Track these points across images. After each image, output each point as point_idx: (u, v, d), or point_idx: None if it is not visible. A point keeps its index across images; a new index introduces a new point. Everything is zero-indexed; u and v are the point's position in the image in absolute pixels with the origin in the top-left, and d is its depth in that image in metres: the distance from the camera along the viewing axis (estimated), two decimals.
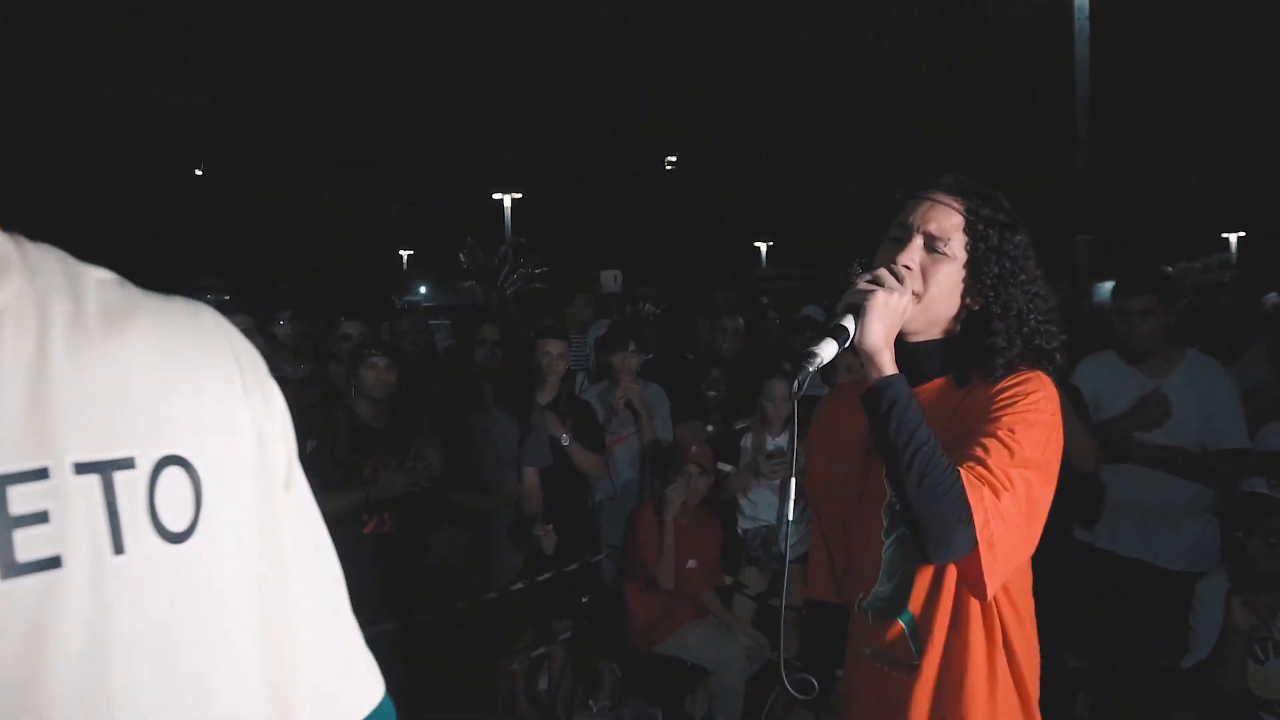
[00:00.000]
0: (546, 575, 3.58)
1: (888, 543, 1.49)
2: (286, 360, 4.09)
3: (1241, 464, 3.05)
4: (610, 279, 19.98)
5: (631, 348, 4.09)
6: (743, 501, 4.05)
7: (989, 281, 1.43)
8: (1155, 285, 3.20)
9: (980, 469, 1.31)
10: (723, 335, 4.77)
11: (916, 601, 1.45)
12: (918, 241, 1.44)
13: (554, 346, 3.84)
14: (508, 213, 32.67)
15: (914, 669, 1.45)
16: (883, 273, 1.41)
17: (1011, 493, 1.30)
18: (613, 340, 4.25)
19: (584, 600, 3.84)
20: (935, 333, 1.48)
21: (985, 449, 1.33)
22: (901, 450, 1.30)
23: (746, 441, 4.04)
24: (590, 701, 3.92)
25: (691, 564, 3.85)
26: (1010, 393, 1.39)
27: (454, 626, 3.37)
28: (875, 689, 1.51)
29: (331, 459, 3.34)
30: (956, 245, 1.44)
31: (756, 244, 38.60)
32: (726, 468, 4.03)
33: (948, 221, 1.44)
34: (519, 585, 3.52)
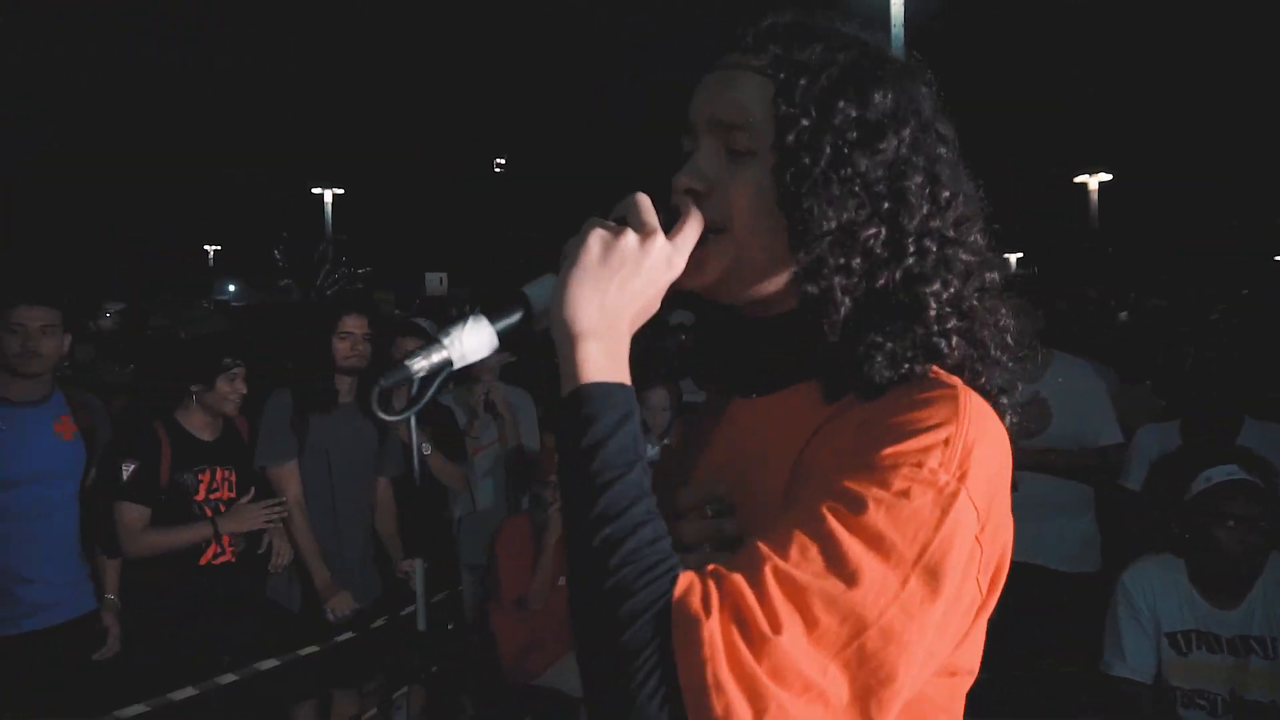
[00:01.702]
0: (410, 609, 3.16)
1: None
2: (107, 359, 3.45)
3: (1118, 459, 3.11)
4: (435, 281, 19.34)
5: None
6: None
7: (789, 179, 0.78)
8: (1025, 289, 3.23)
9: (736, 581, 0.64)
10: None
11: None
12: (708, 143, 0.82)
13: (411, 344, 3.42)
14: (328, 209, 31.01)
15: None
16: (634, 199, 0.78)
17: (798, 636, 0.63)
18: None
19: (449, 628, 3.45)
20: (779, 302, 0.83)
21: (780, 538, 0.67)
22: (583, 516, 0.67)
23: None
24: None
25: (562, 581, 3.55)
26: (885, 425, 0.72)
27: (301, 671, 2.90)
28: None
29: (155, 483, 2.82)
30: (765, 132, 0.80)
31: None
32: None
33: (747, 94, 0.80)
34: (379, 623, 3.09)
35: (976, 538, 0.70)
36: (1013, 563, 2.57)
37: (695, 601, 0.63)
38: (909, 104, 0.81)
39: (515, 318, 0.78)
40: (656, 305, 0.78)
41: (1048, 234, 27.55)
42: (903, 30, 13.30)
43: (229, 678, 2.79)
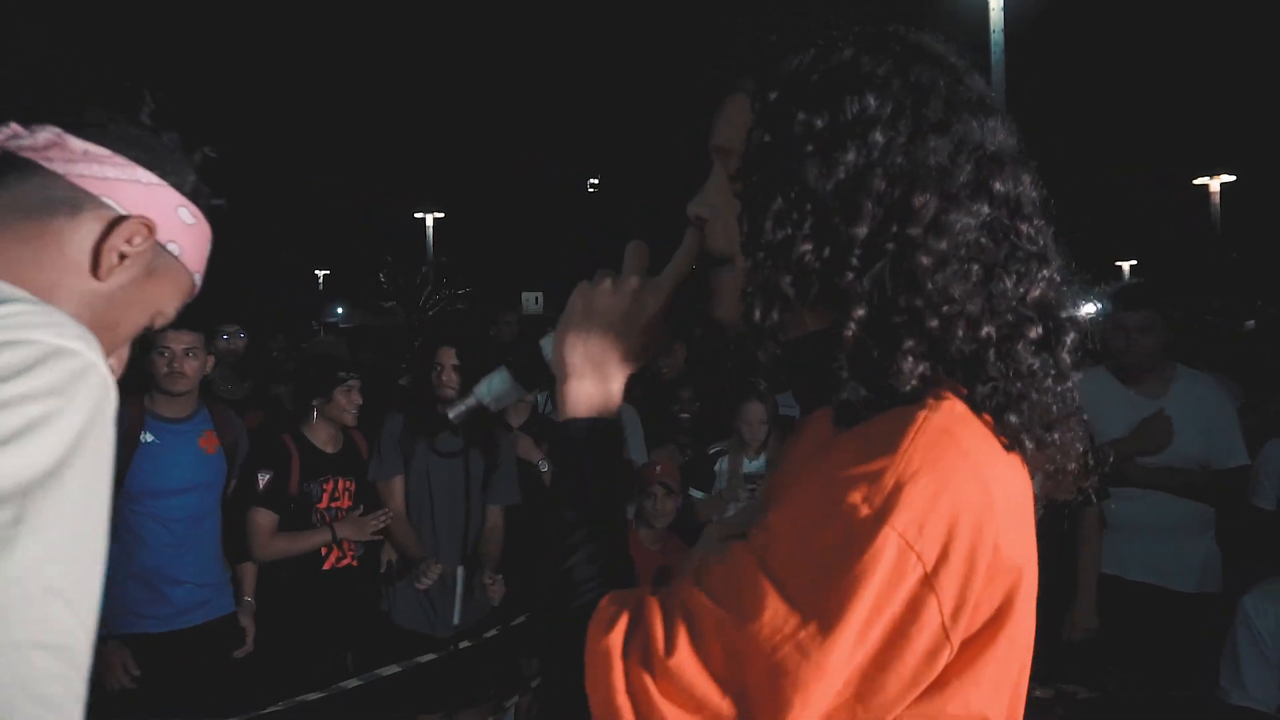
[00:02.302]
0: (520, 619, 3.27)
1: None
2: (227, 377, 3.72)
3: (1245, 481, 2.98)
4: (531, 300, 19.77)
5: None
6: None
7: (750, 204, 0.74)
8: (1155, 300, 3.13)
9: (650, 603, 0.69)
10: (665, 359, 4.63)
11: None
12: (716, 168, 0.82)
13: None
14: (429, 232, 32.07)
15: None
16: (628, 248, 0.87)
17: (691, 655, 0.65)
18: None
19: None
20: (816, 323, 0.77)
21: (708, 568, 0.69)
22: (549, 535, 0.78)
23: (721, 465, 3.85)
24: None
25: None
26: (829, 457, 0.69)
27: (419, 680, 3.04)
28: None
29: (286, 491, 3.06)
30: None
31: None
32: (698, 494, 3.83)
33: (737, 118, 0.78)
34: (492, 632, 3.21)
35: (925, 576, 0.63)
36: (1131, 582, 2.50)
37: (604, 618, 0.69)
38: (900, 103, 0.72)
39: (527, 365, 0.91)
40: (656, 339, 0.85)
41: (1165, 240, 26.22)
42: (1002, 35, 13.00)
43: (353, 683, 2.95)
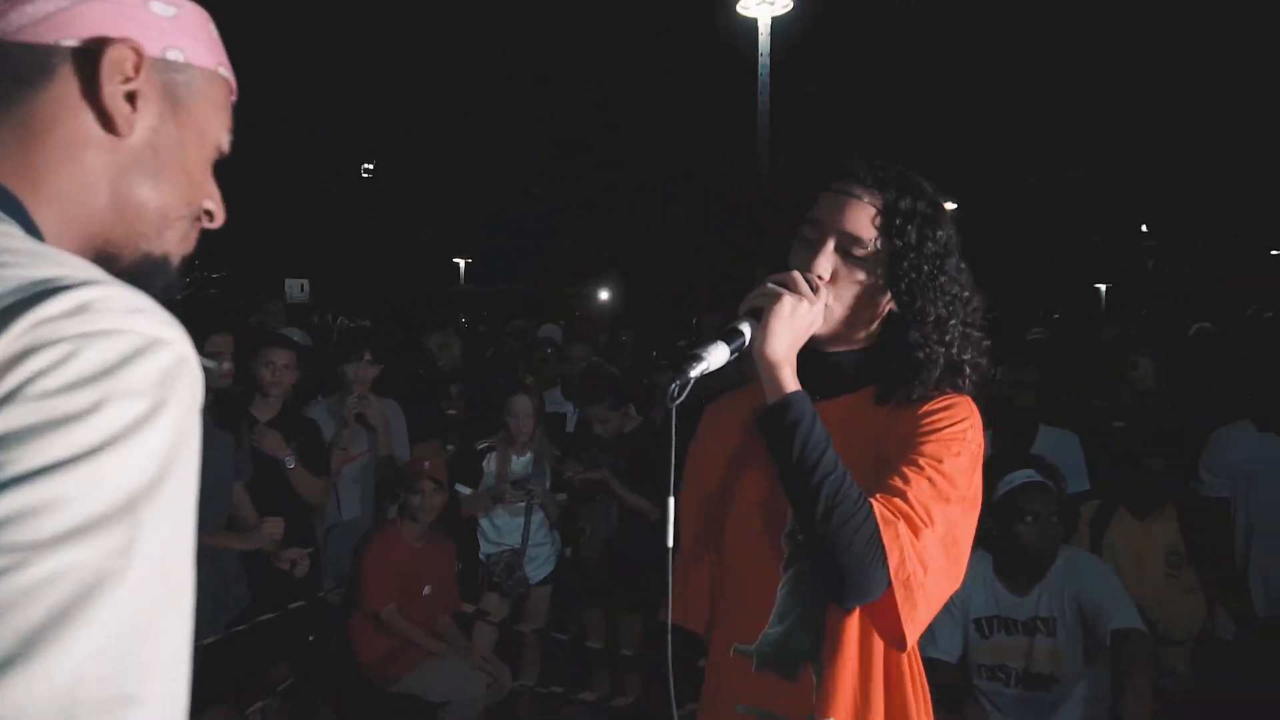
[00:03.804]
0: (269, 616, 3.17)
1: (785, 576, 1.28)
2: None
3: None
4: (297, 288, 18.67)
5: (367, 357, 3.79)
6: (484, 524, 3.90)
7: (904, 285, 1.25)
8: None
9: (898, 501, 1.16)
10: (445, 351, 4.64)
11: (825, 652, 1.25)
12: (830, 245, 1.26)
13: (280, 356, 3.43)
14: None
15: None
16: (795, 275, 1.23)
17: (932, 529, 1.15)
18: (345, 349, 3.94)
19: (310, 639, 3.46)
20: (854, 342, 1.31)
21: (905, 479, 1.18)
22: (806, 478, 1.14)
23: (489, 463, 3.90)
24: None
25: (428, 590, 3.63)
26: (935, 418, 1.24)
27: None
28: None
29: None
30: (874, 246, 1.26)
31: (455, 260, 38.09)
32: (465, 490, 3.86)
33: (863, 219, 1.25)
34: (240, 627, 3.08)
35: (979, 471, 1.25)
36: None
37: (888, 514, 1.15)
38: (951, 236, 1.29)
39: (737, 343, 1.20)
40: (805, 340, 1.25)
41: None
42: (769, 59, 13.95)
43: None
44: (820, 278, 1.26)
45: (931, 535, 1.16)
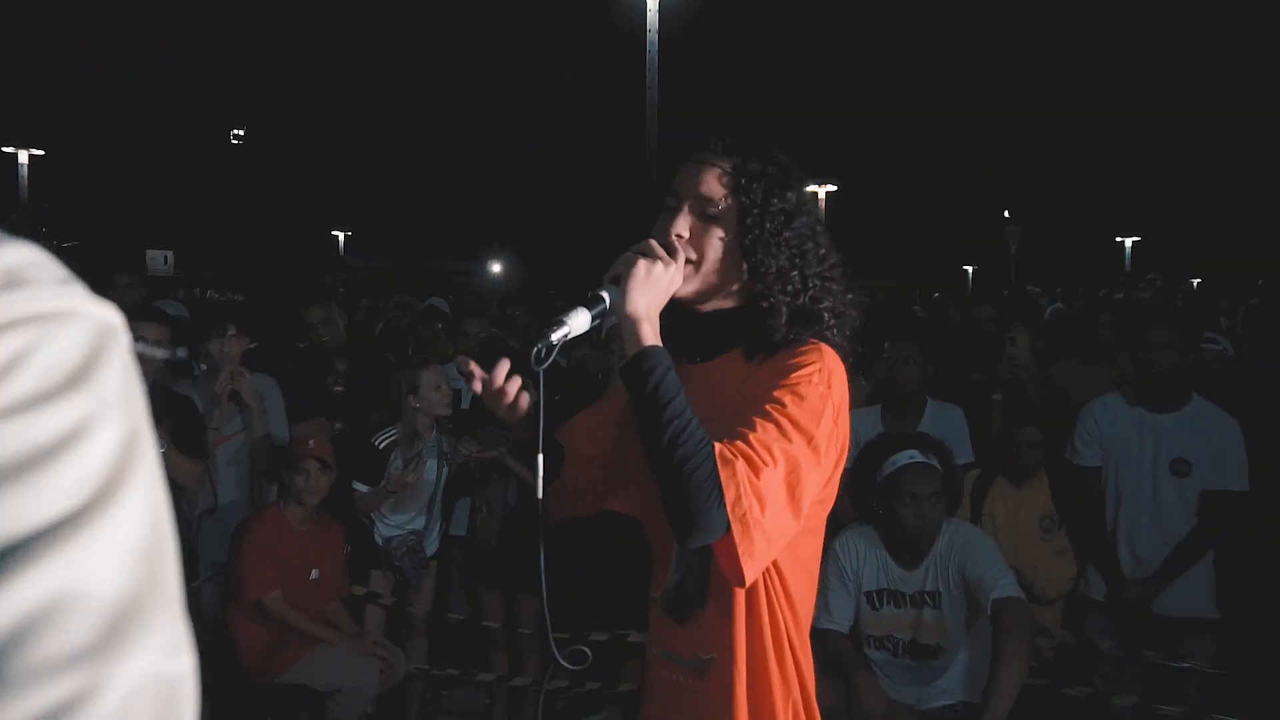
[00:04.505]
0: None
1: None
2: None
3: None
4: (160, 260, 17.59)
5: (232, 331, 3.55)
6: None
7: (748, 239, 1.34)
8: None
9: (739, 443, 1.22)
10: (328, 326, 4.43)
11: (709, 596, 1.36)
12: (686, 208, 1.38)
13: (151, 331, 3.19)
14: (23, 171, 27.18)
15: (702, 672, 1.37)
16: (650, 242, 1.33)
17: (773, 467, 1.21)
18: (207, 324, 3.69)
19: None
20: (725, 301, 1.41)
21: (750, 423, 1.24)
22: (655, 422, 1.22)
23: (396, 460, 3.70)
24: None
25: (314, 575, 3.47)
26: (786, 364, 1.32)
27: None
28: (665, 691, 1.43)
29: None
30: (726, 207, 1.36)
31: (335, 232, 36.69)
32: (362, 488, 3.68)
33: (714, 181, 1.37)
34: None
35: (835, 420, 1.30)
36: None
37: (726, 453, 1.20)
38: (804, 198, 1.40)
39: (599, 309, 1.30)
40: (667, 300, 1.33)
41: None
42: (657, 35, 13.92)
43: None
44: (679, 236, 1.37)
45: (772, 474, 1.20)
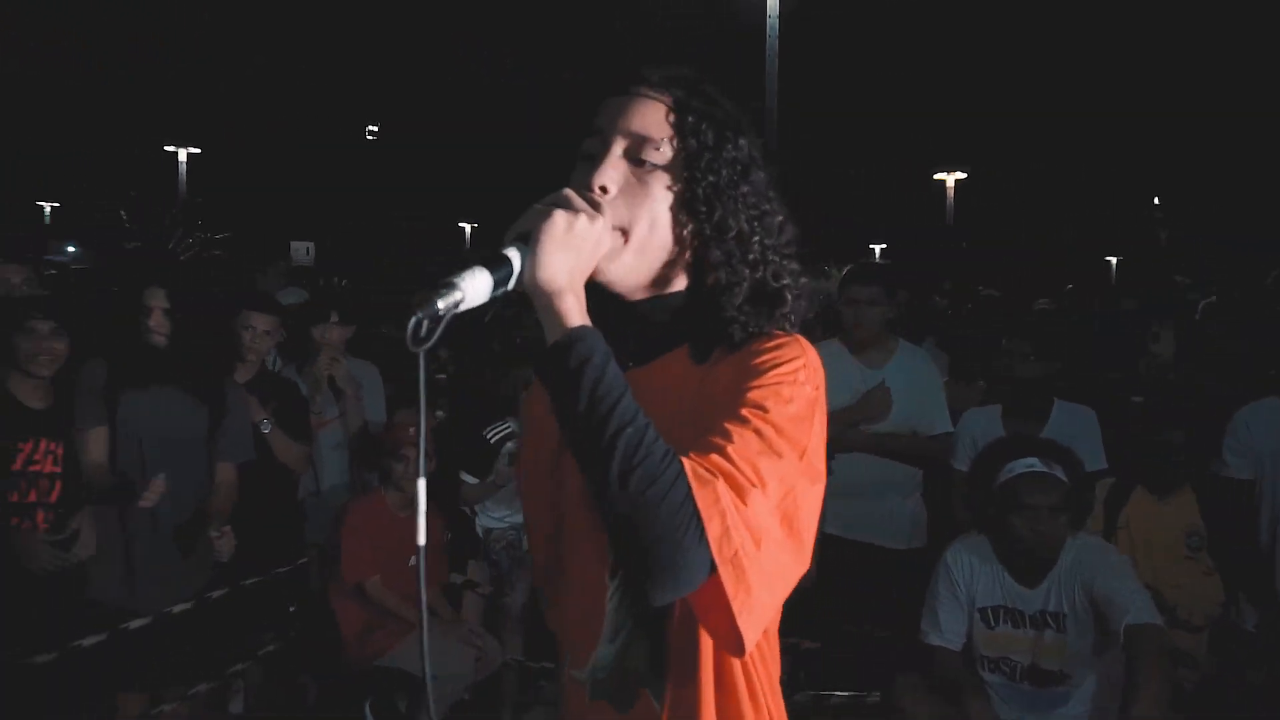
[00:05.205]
0: (252, 580, 3.04)
1: (614, 585, 1.02)
2: None
3: (947, 446, 3.30)
4: (302, 250, 18.53)
5: (334, 319, 3.62)
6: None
7: (701, 191, 1.01)
8: (882, 277, 3.39)
9: (715, 458, 0.89)
10: None
11: (667, 671, 1.01)
12: (617, 150, 1.01)
13: (260, 321, 3.27)
14: (182, 168, 29.16)
15: None
16: (566, 191, 0.97)
17: (762, 491, 0.90)
18: (313, 311, 3.76)
19: (291, 610, 3.34)
20: (665, 284, 1.06)
21: (725, 433, 0.91)
22: (596, 433, 0.87)
23: (506, 455, 3.69)
24: None
25: (413, 561, 3.50)
26: (760, 360, 0.99)
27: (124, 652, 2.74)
28: None
29: None
30: (668, 147, 1.02)
31: (461, 224, 37.79)
32: (471, 479, 3.70)
33: (654, 116, 1.02)
34: (220, 592, 2.95)
35: (822, 428, 1.00)
36: (846, 539, 2.68)
37: (703, 472, 0.88)
38: (757, 149, 1.08)
39: (504, 271, 0.92)
40: (593, 267, 0.98)
41: (908, 227, 28.86)
42: (778, 21, 13.59)
43: (45, 658, 2.60)
44: (604, 189, 1.00)
45: (762, 499, 0.90)
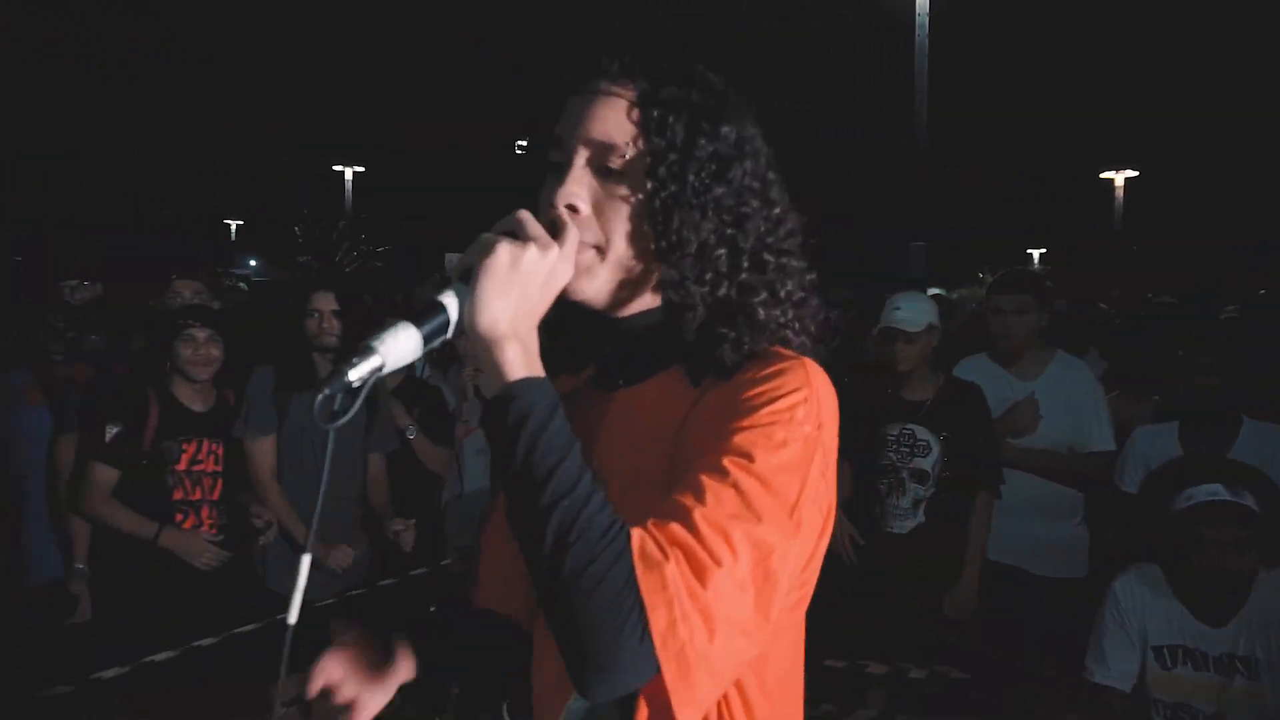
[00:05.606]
0: (390, 580, 3.16)
1: None
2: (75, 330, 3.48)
3: (1108, 466, 3.03)
4: (453, 262, 19.42)
5: None
6: None
7: (658, 201, 0.90)
8: (1030, 284, 3.18)
9: (676, 529, 0.78)
10: None
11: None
12: (579, 161, 0.91)
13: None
14: (348, 186, 31.08)
15: None
16: (520, 214, 0.86)
17: (731, 565, 0.78)
18: None
19: (431, 609, 3.42)
20: (651, 299, 0.95)
21: (697, 490, 0.80)
22: (531, 502, 0.77)
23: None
24: None
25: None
26: (752, 393, 0.87)
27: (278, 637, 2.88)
28: None
29: (137, 447, 2.84)
30: (634, 150, 0.91)
31: None
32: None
33: (614, 117, 0.91)
34: (358, 591, 3.08)
35: (824, 474, 0.88)
36: (996, 564, 2.49)
37: (653, 550, 0.77)
38: (747, 136, 0.95)
39: (437, 322, 0.84)
40: (548, 305, 0.87)
41: (1071, 231, 27.15)
42: (927, 19, 13.12)
43: (208, 640, 2.78)
44: (569, 209, 0.91)
45: (728, 577, 0.77)
